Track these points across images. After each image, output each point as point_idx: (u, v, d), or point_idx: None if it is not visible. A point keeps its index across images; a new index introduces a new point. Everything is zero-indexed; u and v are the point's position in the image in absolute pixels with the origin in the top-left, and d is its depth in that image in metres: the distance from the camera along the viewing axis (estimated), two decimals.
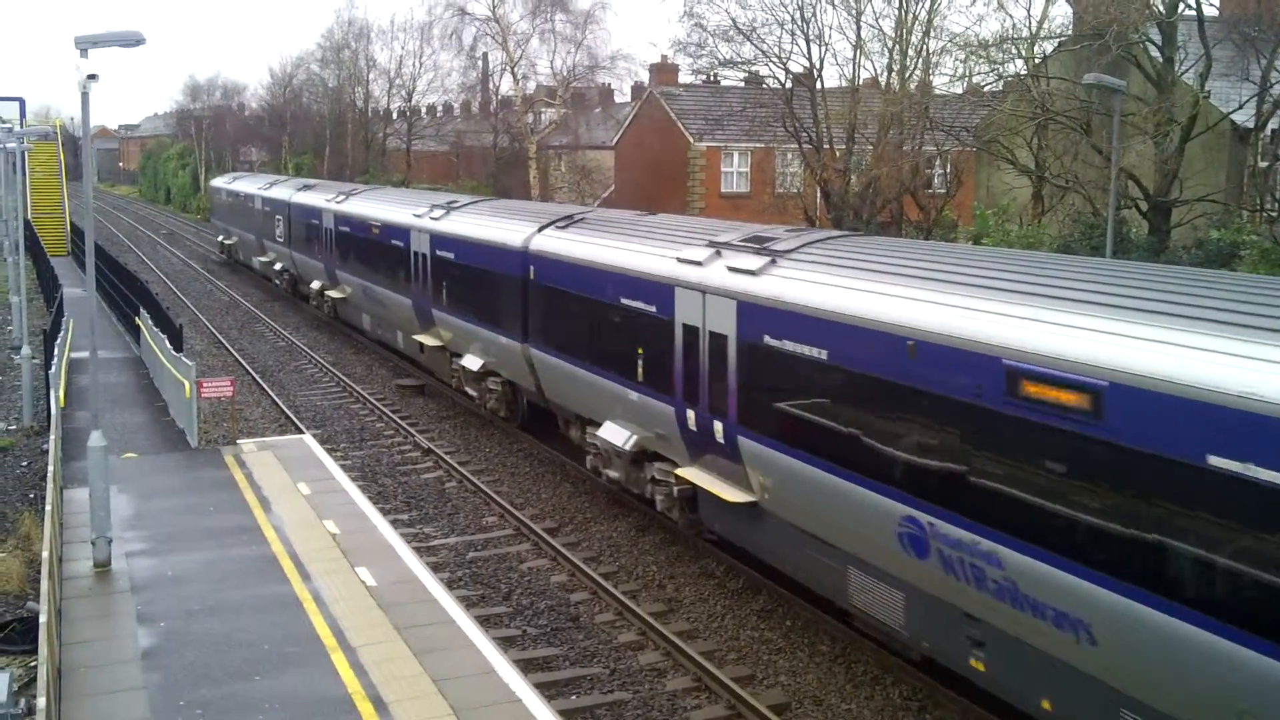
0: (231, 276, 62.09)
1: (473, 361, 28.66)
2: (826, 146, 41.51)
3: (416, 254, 31.64)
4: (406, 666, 14.64)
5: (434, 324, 31.28)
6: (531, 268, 24.77)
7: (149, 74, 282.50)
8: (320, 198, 43.60)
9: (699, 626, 17.72)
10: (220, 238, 68.43)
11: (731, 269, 17.57)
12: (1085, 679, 11.72)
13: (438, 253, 30.39)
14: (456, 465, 25.83)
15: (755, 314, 16.65)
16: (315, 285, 44.81)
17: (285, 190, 50.06)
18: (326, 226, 41.52)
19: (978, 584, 12.76)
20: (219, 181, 71.06)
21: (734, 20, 41.73)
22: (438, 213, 31.21)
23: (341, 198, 40.92)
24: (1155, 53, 30.71)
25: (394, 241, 33.50)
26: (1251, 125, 32.13)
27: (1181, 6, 30.61)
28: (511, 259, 25.56)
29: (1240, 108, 31.65)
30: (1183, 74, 30.75)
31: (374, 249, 35.85)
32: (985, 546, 12.50)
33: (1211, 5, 35.88)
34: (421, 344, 32.15)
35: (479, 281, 27.65)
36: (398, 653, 15.04)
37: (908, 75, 39.85)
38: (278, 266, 52.08)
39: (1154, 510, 10.71)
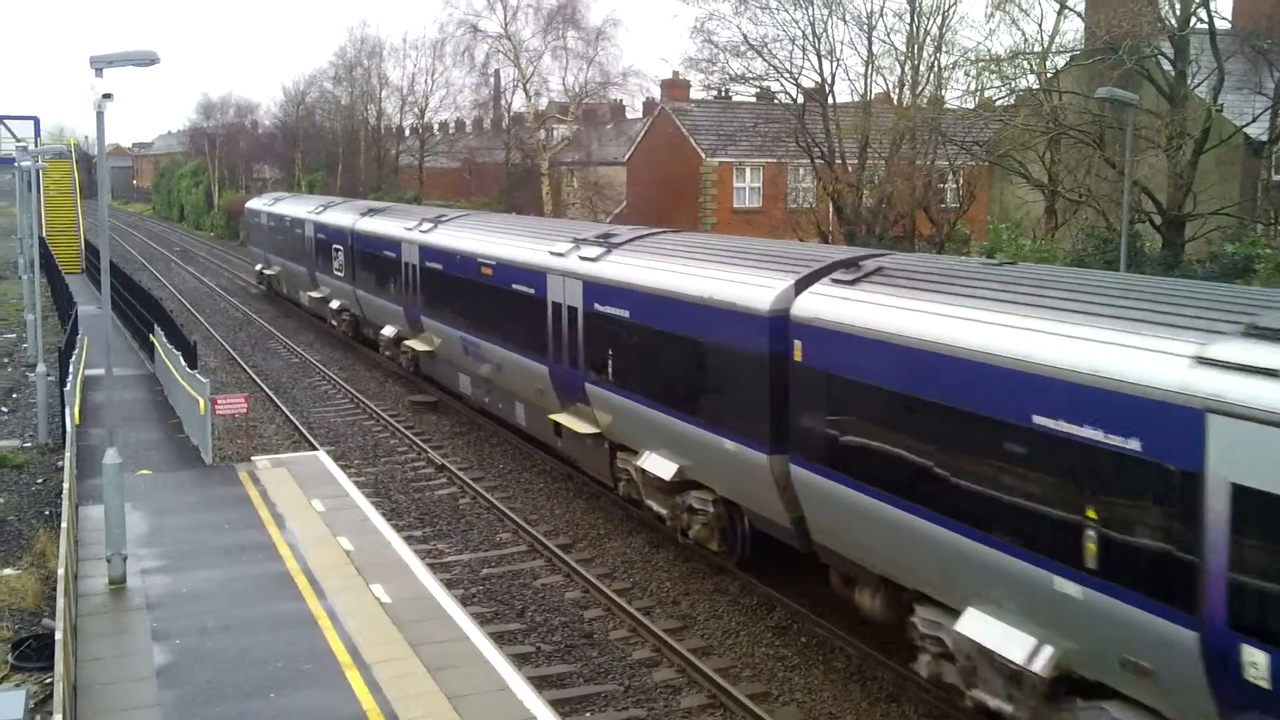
0: (274, 312, 53.73)
1: (660, 465, 20.67)
2: (839, 161, 41.53)
3: (559, 307, 24.11)
4: (421, 684, 14.63)
5: (585, 402, 23.41)
6: (798, 344, 16.70)
7: (163, 92, 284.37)
8: (396, 225, 36.21)
9: (713, 643, 17.67)
10: (259, 266, 60.57)
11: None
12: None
13: (597, 308, 22.50)
14: (470, 481, 25.83)
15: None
16: (389, 332, 37.17)
17: (345, 215, 42.75)
18: (408, 261, 34.11)
19: None
20: (258, 203, 62.06)
21: (745, 36, 41.85)
22: (592, 251, 23.41)
23: (428, 226, 33.56)
24: (1168, 66, 30.69)
25: (518, 287, 26.15)
26: (1265, 138, 32.08)
27: (1194, 20, 30.59)
28: (750, 329, 17.67)
29: (1254, 121, 31.62)
30: (1195, 87, 30.72)
31: (484, 294, 28.21)
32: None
33: (1224, 19, 35.83)
34: (561, 426, 24.61)
35: (676, 353, 19.97)
36: (412, 670, 15.03)
37: (920, 90, 39.88)
38: (335, 305, 44.64)
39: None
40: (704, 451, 19.29)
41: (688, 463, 20.01)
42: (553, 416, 24.82)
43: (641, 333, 21.01)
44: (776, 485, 17.50)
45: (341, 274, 42.32)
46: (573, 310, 23.49)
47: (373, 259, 38.01)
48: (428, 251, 32.36)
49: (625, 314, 21.25)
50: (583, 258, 23.46)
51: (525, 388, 26.63)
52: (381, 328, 38.06)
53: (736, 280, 18.43)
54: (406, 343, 35.22)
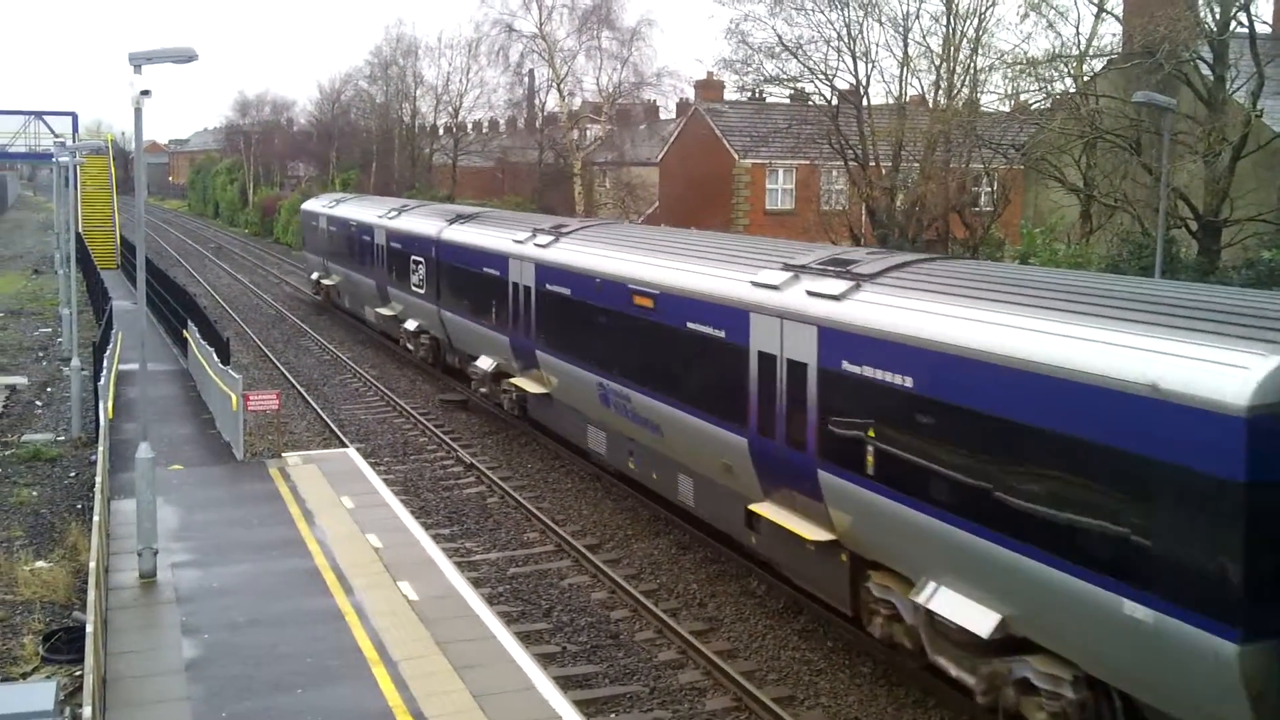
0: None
1: (964, 610, 14.09)
2: (872, 164, 41.37)
3: (771, 360, 17.64)
4: (447, 681, 14.66)
5: (815, 496, 16.93)
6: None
7: (199, 90, 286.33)
8: (499, 236, 30.34)
9: (739, 646, 17.63)
10: (315, 275, 54.31)
11: None
12: None
13: (848, 368, 15.87)
14: (498, 480, 25.87)
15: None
16: (485, 364, 30.90)
17: (428, 222, 37.09)
18: (517, 281, 28.20)
19: None
20: (316, 205, 55.41)
21: (780, 37, 41.73)
22: (832, 286, 16.74)
23: (545, 239, 27.35)
24: (1206, 71, 30.40)
25: (700, 328, 19.63)
26: None
27: (1233, 24, 30.29)
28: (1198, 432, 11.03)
29: None
30: (1234, 92, 30.40)
31: (639, 332, 21.94)
32: None
33: (1264, 22, 35.52)
34: (761, 519, 18.47)
35: (1016, 442, 13.07)
36: (439, 667, 15.06)
37: (955, 93, 39.66)
38: (411, 325, 38.37)
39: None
40: (1053, 598, 12.63)
41: (1016, 611, 13.43)
42: (753, 507, 18.57)
43: (947, 413, 14.06)
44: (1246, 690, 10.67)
45: (422, 290, 36.40)
46: (799, 368, 16.95)
47: (466, 275, 32.13)
48: (548, 271, 26.39)
49: (907, 383, 14.64)
50: (816, 294, 16.91)
51: (704, 460, 20.18)
52: (475, 358, 31.81)
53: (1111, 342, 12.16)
54: (512, 381, 28.99)
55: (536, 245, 27.46)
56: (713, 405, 19.31)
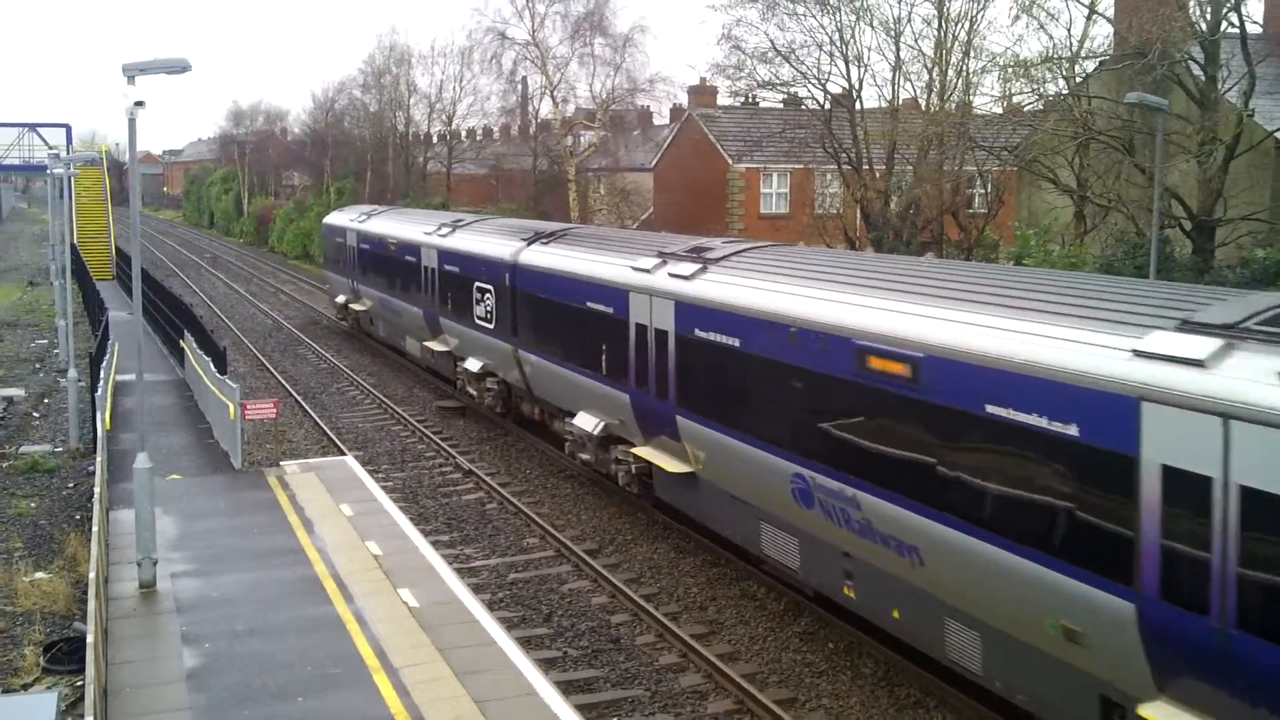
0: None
1: None
2: (866, 167, 41.44)
3: (1179, 476, 11.49)
4: (448, 688, 14.67)
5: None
6: None
7: (193, 100, 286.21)
8: (611, 264, 23.44)
9: (740, 649, 17.66)
10: (341, 298, 48.40)
11: None
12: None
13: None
14: (497, 487, 25.89)
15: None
16: (591, 425, 23.98)
17: (494, 241, 30.59)
18: (645, 324, 21.49)
19: None
20: (342, 219, 48.89)
21: (772, 42, 41.77)
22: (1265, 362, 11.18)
23: (690, 268, 20.67)
24: (1198, 71, 30.47)
25: (1020, 418, 13.13)
26: None
27: (1225, 24, 30.37)
28: None
29: None
30: (1226, 92, 30.48)
31: (890, 414, 15.38)
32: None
33: (1255, 22, 35.59)
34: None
35: None
36: (440, 674, 15.08)
37: (948, 95, 39.73)
38: (474, 366, 31.55)
39: None
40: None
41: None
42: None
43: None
44: None
45: (490, 325, 29.95)
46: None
47: (559, 311, 25.63)
48: (696, 313, 19.81)
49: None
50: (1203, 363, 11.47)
51: (1007, 609, 13.78)
52: (570, 414, 25.43)
53: None
54: (634, 450, 22.48)
55: (674, 276, 20.91)
56: (1026, 535, 13.15)
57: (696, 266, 20.60)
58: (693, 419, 20.14)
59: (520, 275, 27.90)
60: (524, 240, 28.88)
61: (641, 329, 21.71)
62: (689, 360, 20.21)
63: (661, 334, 20.93)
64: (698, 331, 19.79)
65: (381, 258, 40.98)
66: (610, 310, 22.92)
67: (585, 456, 24.93)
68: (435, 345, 35.26)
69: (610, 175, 62.55)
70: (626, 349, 22.19)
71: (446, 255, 33.55)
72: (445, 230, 34.86)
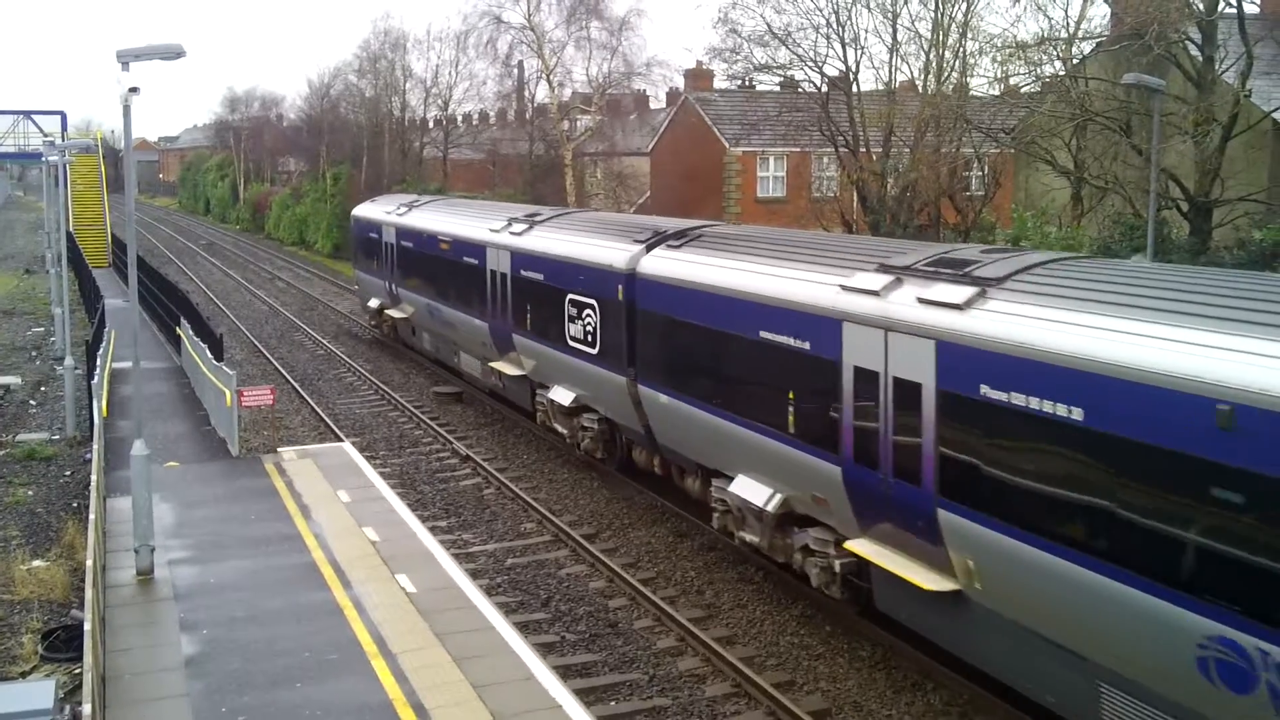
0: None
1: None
2: (863, 150, 41.37)
3: None
4: (447, 673, 14.68)
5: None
6: None
7: (188, 86, 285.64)
8: (811, 283, 17.22)
9: (738, 632, 17.67)
10: (375, 302, 42.09)
11: None
12: None
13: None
14: (494, 472, 25.88)
15: None
16: (760, 496, 18.37)
17: (594, 244, 24.24)
18: (874, 369, 15.63)
19: None
20: (375, 211, 42.45)
21: (769, 25, 41.66)
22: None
23: (965, 292, 14.39)
24: (1195, 52, 30.42)
25: None
26: None
27: (1222, 5, 30.31)
28: None
29: None
30: (1223, 73, 30.42)
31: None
32: None
33: (1252, 3, 35.54)
34: None
35: None
36: (438, 659, 15.08)
37: (944, 77, 39.65)
38: (565, 399, 25.54)
39: None
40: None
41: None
42: None
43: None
44: None
45: (592, 350, 23.89)
46: None
47: (705, 339, 19.70)
48: (1003, 367, 13.38)
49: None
50: None
51: None
52: (725, 475, 19.54)
53: None
54: (855, 547, 16.35)
55: (927, 303, 14.80)
56: None
57: (971, 290, 14.31)
58: (975, 519, 13.77)
59: (641, 289, 21.85)
60: (640, 243, 22.48)
61: (867, 378, 15.61)
62: (967, 432, 13.97)
63: (908, 387, 14.87)
64: (989, 391, 13.46)
65: (429, 258, 34.92)
66: (807, 347, 16.87)
67: (748, 536, 18.91)
68: (505, 367, 29.07)
69: (607, 160, 62.44)
70: (836, 404, 16.21)
71: (523, 259, 27.42)
72: (519, 227, 28.48)
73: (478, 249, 30.43)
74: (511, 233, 28.55)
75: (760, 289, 18.16)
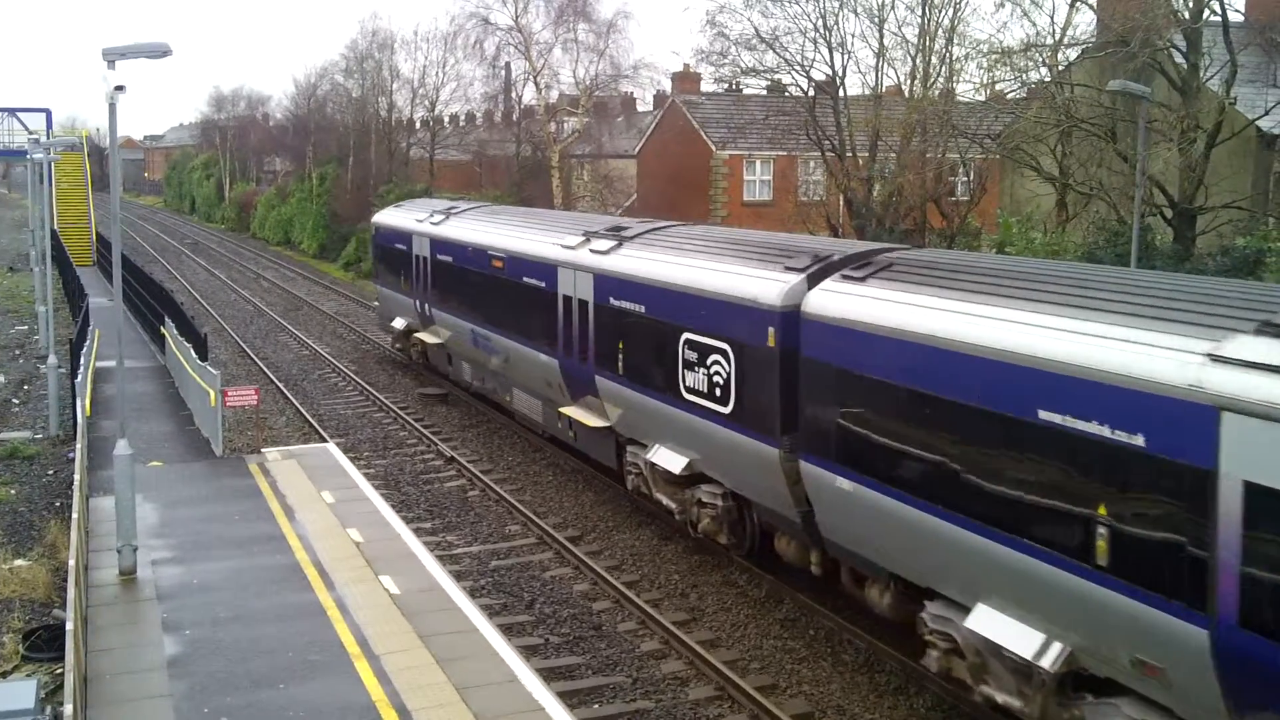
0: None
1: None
2: (850, 154, 41.46)
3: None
4: (430, 675, 14.66)
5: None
6: None
7: (174, 85, 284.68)
8: (1140, 348, 11.77)
9: (722, 635, 17.69)
10: (401, 323, 37.08)
11: None
12: None
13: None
14: (479, 474, 25.86)
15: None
16: (1033, 646, 12.98)
17: (730, 274, 19.12)
18: (1266, 484, 10.30)
19: None
20: (401, 218, 37.82)
21: (756, 29, 41.78)
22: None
23: None
24: (1180, 59, 30.56)
25: None
26: (1277, 131, 31.95)
27: (1207, 12, 30.45)
28: None
29: (1266, 114, 31.46)
30: (1208, 80, 30.58)
31: None
32: None
33: (1237, 11, 35.70)
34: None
35: None
36: (421, 661, 15.07)
37: (931, 83, 39.77)
38: (675, 464, 20.34)
39: None
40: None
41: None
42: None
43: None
44: None
45: (724, 408, 18.79)
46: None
47: (940, 414, 14.37)
48: None
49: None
50: None
51: None
52: (960, 604, 14.48)
53: None
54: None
55: None
56: None
57: None
58: None
59: (809, 334, 16.76)
60: (797, 272, 17.62)
61: (1262, 498, 10.44)
62: None
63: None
64: None
65: (475, 275, 29.96)
66: (1141, 444, 11.59)
67: (1000, 696, 13.81)
68: (581, 415, 24.05)
69: (594, 162, 62.44)
70: (1201, 532, 10.99)
71: (613, 284, 22.37)
72: (603, 244, 23.44)
73: (545, 269, 25.35)
74: (594, 250, 23.57)
75: (1042, 350, 12.74)
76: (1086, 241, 32.03)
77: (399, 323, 37.34)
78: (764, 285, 17.89)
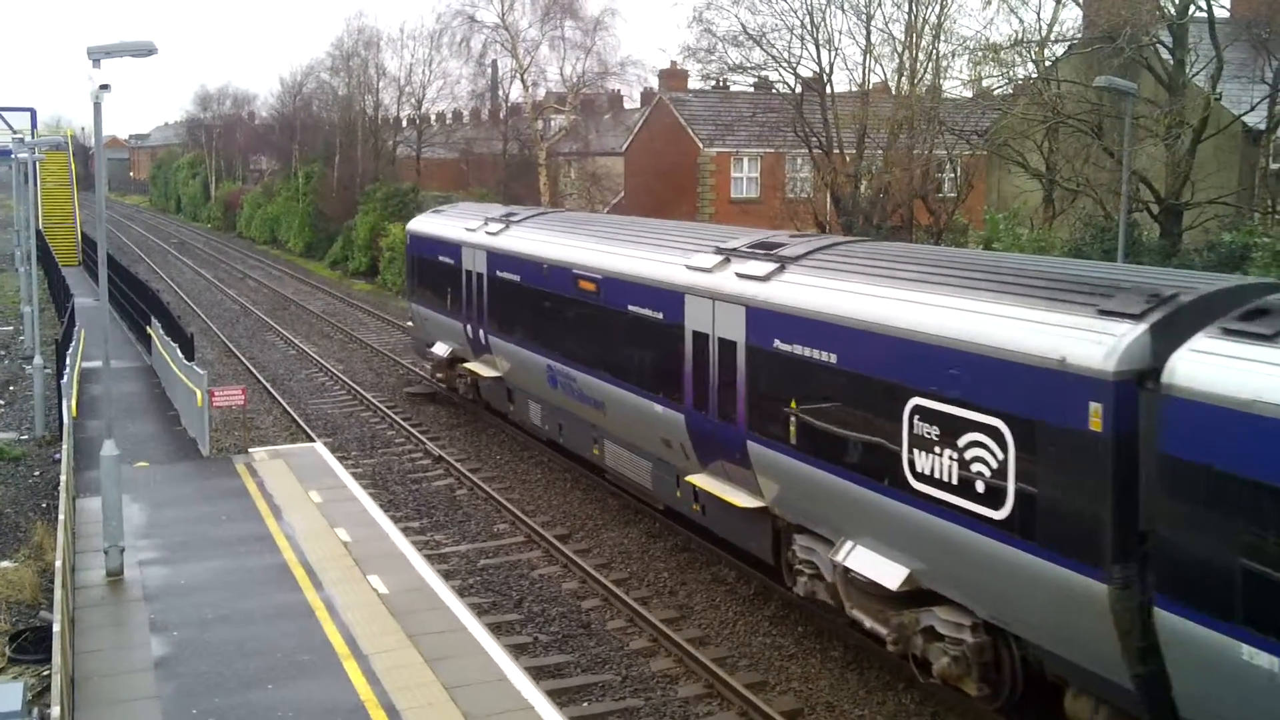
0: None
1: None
2: (837, 151, 41.47)
3: None
4: (419, 674, 14.64)
5: None
6: None
7: (160, 84, 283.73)
8: None
9: (711, 633, 17.68)
10: (444, 350, 31.46)
11: None
12: None
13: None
14: (467, 473, 25.82)
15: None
16: None
17: (1014, 316, 13.00)
18: None
19: None
20: (447, 226, 31.80)
21: (743, 25, 41.72)
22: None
23: None
24: (1166, 55, 30.65)
25: None
26: (1263, 127, 32.06)
27: (1192, 8, 30.54)
28: None
29: (1252, 109, 31.58)
30: (1194, 76, 30.68)
31: None
32: None
33: (1223, 7, 35.80)
34: None
35: None
36: (410, 660, 15.04)
37: (918, 79, 39.80)
38: (891, 580, 14.67)
39: None
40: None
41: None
42: None
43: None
44: None
45: (995, 512, 13.08)
46: None
47: None
48: None
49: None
50: None
51: None
52: None
53: None
54: None
55: None
56: None
57: None
58: None
59: (1175, 419, 11.07)
60: (1131, 318, 11.96)
61: None
62: None
63: None
64: None
65: (553, 299, 24.57)
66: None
67: None
68: (721, 489, 18.62)
69: (581, 159, 62.33)
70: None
71: (776, 322, 16.93)
72: (757, 268, 17.82)
73: (664, 296, 19.98)
74: (741, 274, 18.02)
75: None
76: (1074, 237, 32.10)
77: (441, 348, 31.62)
78: (1071, 341, 12.18)
